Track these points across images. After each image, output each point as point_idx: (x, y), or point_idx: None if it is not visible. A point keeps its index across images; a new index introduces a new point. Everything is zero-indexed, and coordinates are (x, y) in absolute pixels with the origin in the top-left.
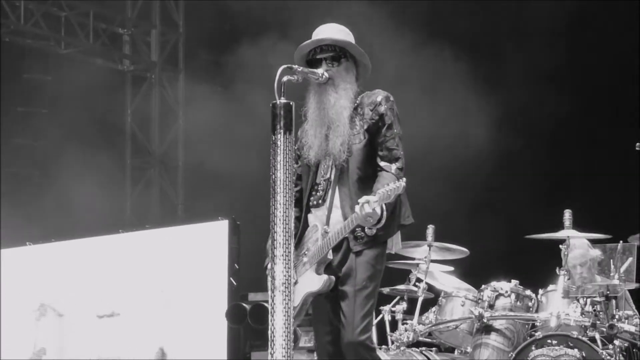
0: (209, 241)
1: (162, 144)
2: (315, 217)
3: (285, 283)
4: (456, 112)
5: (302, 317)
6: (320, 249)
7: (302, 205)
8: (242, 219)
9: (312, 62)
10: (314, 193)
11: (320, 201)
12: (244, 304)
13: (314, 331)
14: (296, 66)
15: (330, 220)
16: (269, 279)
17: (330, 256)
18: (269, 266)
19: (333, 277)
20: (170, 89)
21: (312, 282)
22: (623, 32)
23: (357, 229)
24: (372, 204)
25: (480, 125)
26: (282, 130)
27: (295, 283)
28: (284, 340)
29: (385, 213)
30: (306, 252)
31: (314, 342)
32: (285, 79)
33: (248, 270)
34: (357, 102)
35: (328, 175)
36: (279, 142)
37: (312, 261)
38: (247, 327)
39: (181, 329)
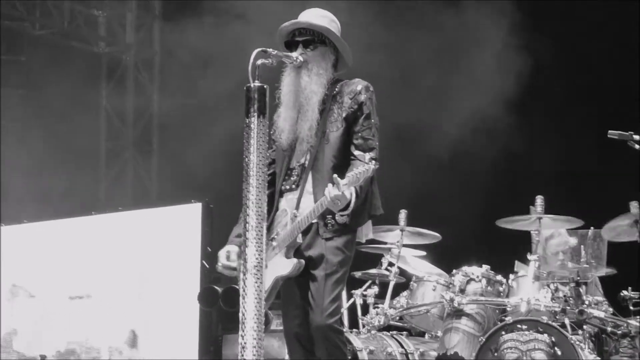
0: (182, 224)
1: (137, 127)
2: (286, 202)
3: (257, 266)
4: (429, 98)
5: (271, 300)
6: (289, 233)
7: (275, 189)
8: (216, 202)
9: (290, 44)
10: (287, 178)
11: (293, 186)
12: (216, 287)
13: (283, 315)
14: (270, 49)
15: (300, 205)
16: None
17: (299, 240)
18: (224, 250)
19: (303, 261)
20: (146, 72)
21: (282, 266)
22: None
23: (327, 216)
24: (341, 187)
25: (453, 110)
26: (255, 114)
27: (265, 267)
28: (255, 323)
29: (354, 198)
30: (275, 237)
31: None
32: (259, 62)
33: None
34: (336, 90)
35: (303, 161)
36: (252, 126)
37: (281, 245)
38: (219, 310)
39: (153, 312)
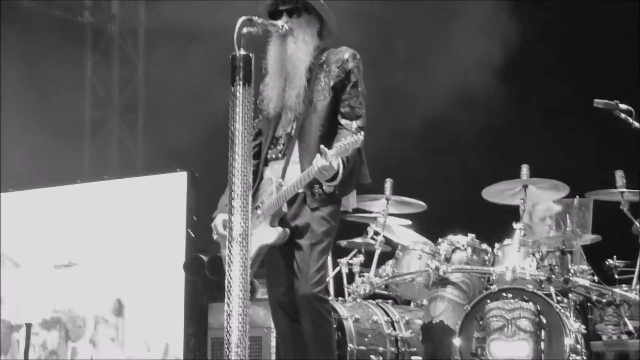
0: (167, 193)
1: (122, 96)
2: (271, 171)
3: (242, 234)
4: (414, 66)
5: (255, 268)
6: (275, 202)
7: (260, 159)
8: (201, 171)
9: (275, 13)
10: (272, 147)
11: (279, 155)
12: (202, 256)
13: (267, 284)
14: (256, 18)
15: (286, 174)
16: (216, 230)
17: (285, 209)
18: (220, 219)
19: (288, 230)
20: (131, 42)
21: (267, 234)
22: None
23: (315, 186)
24: (329, 157)
25: (439, 77)
26: (241, 82)
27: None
28: (241, 291)
29: (342, 168)
30: (260, 205)
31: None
32: (244, 30)
33: (206, 222)
34: (323, 58)
35: (289, 130)
36: (237, 94)
37: (266, 214)
38: (204, 278)
39: (139, 280)
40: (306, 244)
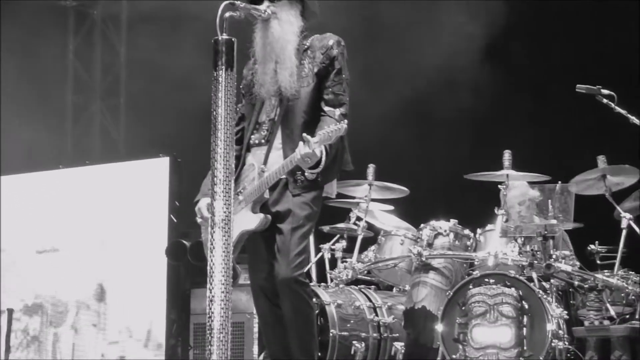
0: (150, 178)
1: (104, 81)
2: (253, 156)
3: (225, 219)
4: (397, 49)
5: (236, 254)
6: (257, 188)
7: (243, 144)
8: (184, 156)
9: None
10: (255, 132)
11: (262, 140)
12: (184, 241)
13: (249, 268)
14: (238, 2)
15: (268, 160)
16: (200, 213)
17: (266, 195)
18: (204, 202)
19: (269, 217)
20: (113, 25)
21: (248, 220)
22: None
23: (297, 172)
24: (312, 145)
25: (421, 62)
26: (223, 67)
27: None
28: (223, 276)
29: (324, 156)
30: (242, 191)
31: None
32: (227, 15)
33: (189, 208)
34: (307, 44)
35: (273, 116)
36: (220, 79)
37: (248, 200)
38: (187, 264)
39: (121, 266)
40: (287, 228)
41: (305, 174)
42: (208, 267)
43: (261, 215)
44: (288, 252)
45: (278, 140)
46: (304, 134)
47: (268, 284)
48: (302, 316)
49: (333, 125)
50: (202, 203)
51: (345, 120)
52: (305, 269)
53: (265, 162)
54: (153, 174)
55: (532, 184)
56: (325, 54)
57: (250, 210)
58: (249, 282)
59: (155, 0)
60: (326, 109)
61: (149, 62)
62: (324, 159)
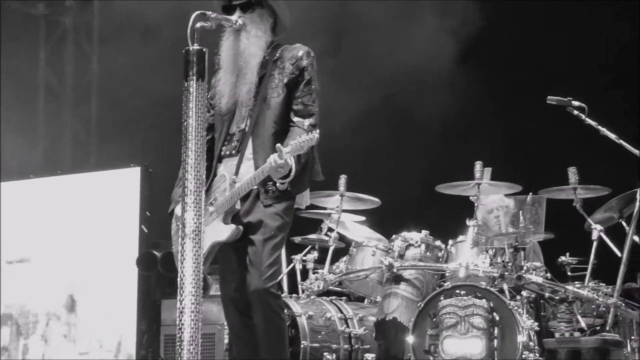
0: (121, 188)
1: (76, 90)
2: (225, 167)
3: (195, 230)
4: (368, 58)
5: (207, 265)
6: (228, 199)
7: (213, 155)
8: (155, 167)
9: (228, 7)
10: (226, 143)
11: (233, 151)
12: (155, 252)
13: (220, 279)
14: (209, 12)
15: (240, 171)
16: (174, 223)
17: (238, 206)
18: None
19: (241, 227)
20: (85, 34)
21: (220, 231)
22: None
23: (268, 183)
24: (284, 155)
25: (392, 73)
26: (194, 77)
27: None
28: (193, 287)
29: (295, 166)
30: (213, 202)
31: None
32: (198, 25)
33: (160, 218)
34: (277, 55)
35: (243, 126)
36: (191, 89)
37: (219, 211)
38: (158, 274)
39: (91, 276)
40: (259, 239)
41: (277, 184)
42: (179, 278)
43: (233, 226)
44: (260, 263)
45: (249, 151)
46: (277, 145)
47: (239, 296)
48: (273, 328)
49: (305, 135)
50: (178, 210)
51: (317, 131)
52: (277, 280)
53: (236, 173)
54: (124, 184)
55: (506, 195)
56: (295, 65)
57: (222, 221)
58: (219, 293)
59: (127, 9)
60: (295, 119)
61: (121, 71)
62: (294, 168)
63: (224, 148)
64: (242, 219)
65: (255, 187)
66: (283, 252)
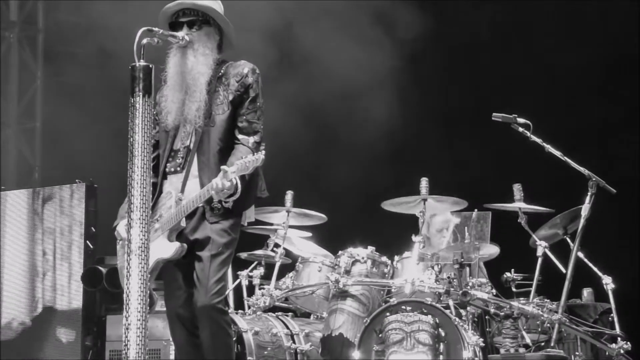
0: (65, 204)
1: (20, 105)
2: (170, 184)
3: (141, 247)
4: (312, 75)
5: (152, 281)
6: (174, 216)
7: (158, 171)
8: (100, 183)
9: (175, 25)
10: (171, 160)
11: (178, 168)
12: (100, 267)
13: (165, 296)
14: (156, 29)
15: (185, 188)
16: (118, 240)
17: (183, 224)
18: (122, 224)
19: (185, 245)
20: (29, 49)
21: (164, 248)
22: None
23: (214, 201)
24: (229, 175)
25: (336, 89)
26: (140, 93)
27: None
28: (139, 303)
29: (240, 185)
30: (158, 219)
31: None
32: (145, 41)
33: (105, 234)
34: (222, 71)
35: (188, 143)
36: (137, 105)
37: (164, 228)
38: (103, 290)
39: (35, 292)
40: (206, 255)
41: (222, 202)
42: (124, 294)
43: (177, 244)
44: (207, 279)
45: (194, 168)
46: (222, 166)
47: (185, 312)
48: (220, 344)
49: (251, 156)
50: (120, 226)
51: (263, 151)
52: (224, 296)
53: (182, 190)
54: (69, 200)
55: (452, 212)
56: (240, 82)
57: (167, 238)
58: (165, 309)
59: (72, 24)
60: (240, 137)
61: (66, 86)
62: (239, 187)
63: (168, 164)
64: (188, 236)
65: (201, 204)
66: (230, 268)
